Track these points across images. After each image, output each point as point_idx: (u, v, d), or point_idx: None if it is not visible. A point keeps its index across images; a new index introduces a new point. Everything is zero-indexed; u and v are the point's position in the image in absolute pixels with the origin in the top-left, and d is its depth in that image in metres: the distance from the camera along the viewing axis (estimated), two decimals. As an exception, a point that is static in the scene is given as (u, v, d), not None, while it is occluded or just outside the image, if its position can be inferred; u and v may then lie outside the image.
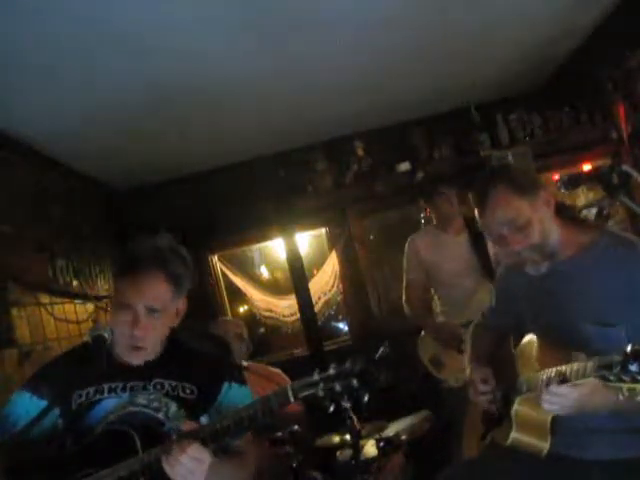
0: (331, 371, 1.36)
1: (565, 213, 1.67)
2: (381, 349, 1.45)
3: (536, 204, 1.59)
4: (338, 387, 1.33)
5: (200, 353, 1.74)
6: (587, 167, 3.78)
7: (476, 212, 1.67)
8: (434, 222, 3.35)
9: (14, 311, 2.78)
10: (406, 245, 3.41)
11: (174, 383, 1.60)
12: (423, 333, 3.28)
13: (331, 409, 1.35)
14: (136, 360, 1.61)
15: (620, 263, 1.53)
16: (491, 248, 3.20)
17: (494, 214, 1.60)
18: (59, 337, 3.11)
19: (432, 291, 3.39)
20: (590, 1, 3.09)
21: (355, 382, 1.33)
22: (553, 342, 1.59)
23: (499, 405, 1.74)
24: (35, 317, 2.94)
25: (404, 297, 3.39)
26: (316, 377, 1.36)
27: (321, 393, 1.34)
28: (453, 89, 3.92)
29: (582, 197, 4.08)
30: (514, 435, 1.62)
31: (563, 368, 1.38)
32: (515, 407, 1.63)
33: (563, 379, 1.35)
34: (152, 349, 1.63)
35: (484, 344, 1.94)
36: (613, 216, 3.38)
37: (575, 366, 1.33)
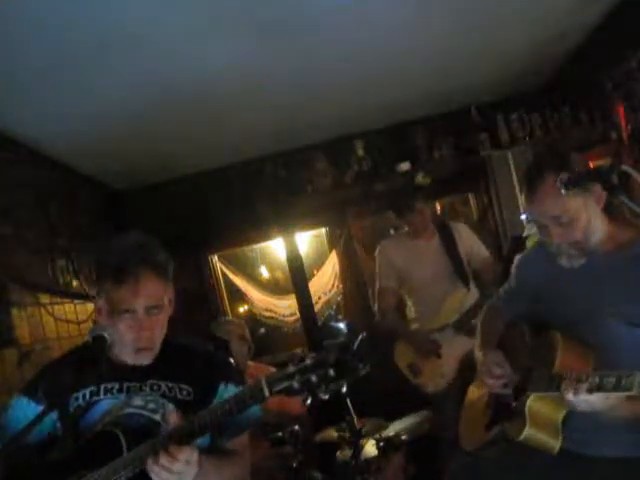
0: (307, 362, 1.30)
1: (611, 210, 1.62)
2: (359, 337, 1.41)
3: (588, 200, 1.54)
4: (314, 378, 1.28)
5: (196, 353, 1.71)
6: (587, 167, 3.78)
7: (523, 196, 1.63)
8: (405, 229, 3.36)
9: (14, 311, 2.78)
10: (377, 251, 3.41)
11: (170, 384, 1.58)
12: (399, 340, 3.27)
13: (308, 401, 1.32)
14: (144, 360, 1.59)
15: None
16: (463, 252, 3.23)
17: (541, 205, 1.56)
18: (59, 337, 3.11)
19: (405, 297, 3.39)
20: (590, 1, 3.09)
21: (332, 372, 1.28)
22: (577, 340, 1.55)
23: (511, 392, 1.71)
24: (35, 317, 2.94)
25: (376, 304, 3.38)
26: (291, 369, 1.30)
27: (297, 385, 1.29)
28: (453, 89, 3.91)
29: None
30: (528, 431, 1.57)
31: (597, 377, 1.32)
32: (529, 402, 1.59)
33: (597, 388, 1.30)
34: (158, 346, 1.61)
35: (494, 330, 1.90)
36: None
37: (612, 377, 1.28)
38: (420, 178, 4.05)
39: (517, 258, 1.94)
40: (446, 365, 3.09)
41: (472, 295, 3.19)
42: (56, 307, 3.16)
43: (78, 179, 3.79)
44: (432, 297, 3.18)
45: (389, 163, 4.21)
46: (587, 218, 1.54)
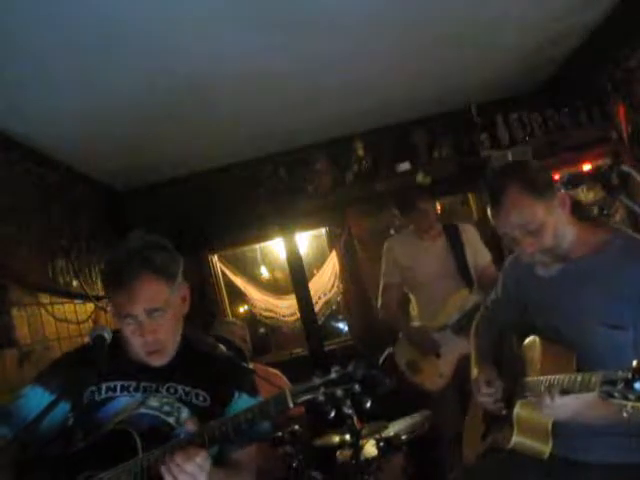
0: (332, 375, 1.30)
1: (579, 212, 1.63)
2: (385, 352, 1.41)
3: (552, 206, 1.54)
4: (339, 392, 1.28)
5: (215, 359, 1.69)
6: (587, 167, 3.78)
7: (489, 210, 1.62)
8: (411, 228, 3.37)
9: (14, 311, 2.78)
10: (384, 248, 3.43)
11: (187, 389, 1.57)
12: (400, 337, 3.27)
13: (332, 414, 1.31)
14: (157, 362, 1.57)
15: (633, 265, 1.50)
16: (469, 254, 3.24)
17: (508, 216, 1.56)
18: (59, 337, 3.11)
19: (409, 295, 3.40)
20: (590, 1, 3.09)
21: (357, 387, 1.28)
22: (558, 344, 1.57)
23: (503, 406, 1.72)
24: (35, 317, 2.94)
25: (380, 301, 3.39)
26: (317, 381, 1.31)
27: (321, 398, 1.29)
28: (453, 89, 3.92)
29: (582, 197, 4.08)
30: (516, 439, 1.60)
31: (566, 379, 1.36)
32: (516, 410, 1.61)
33: (565, 391, 1.33)
34: (171, 347, 1.59)
35: (487, 343, 1.91)
36: (613, 216, 3.38)
37: (579, 378, 1.31)
38: (420, 178, 4.05)
39: (504, 266, 1.93)
40: (444, 365, 3.08)
41: (474, 297, 3.19)
42: (56, 307, 3.16)
43: (78, 179, 3.79)
44: (435, 296, 3.18)
45: (389, 163, 4.22)
46: (554, 223, 1.54)
